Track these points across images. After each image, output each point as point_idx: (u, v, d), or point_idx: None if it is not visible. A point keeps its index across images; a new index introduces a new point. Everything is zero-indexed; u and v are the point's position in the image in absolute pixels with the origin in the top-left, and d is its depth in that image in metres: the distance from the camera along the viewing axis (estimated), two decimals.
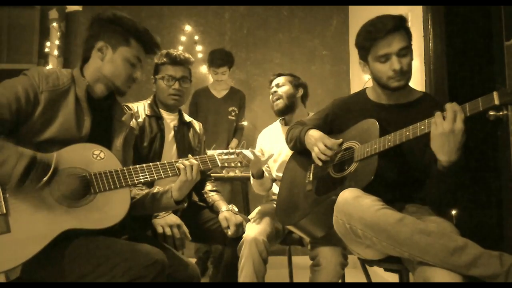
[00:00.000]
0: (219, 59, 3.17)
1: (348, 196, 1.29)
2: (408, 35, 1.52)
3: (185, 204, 1.55)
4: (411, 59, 1.52)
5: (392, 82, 1.51)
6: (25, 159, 1.14)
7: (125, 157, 1.45)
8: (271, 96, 2.26)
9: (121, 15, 1.41)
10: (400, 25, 1.49)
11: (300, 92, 2.25)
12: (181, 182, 1.45)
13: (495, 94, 1.13)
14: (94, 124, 1.36)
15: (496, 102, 1.12)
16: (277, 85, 2.24)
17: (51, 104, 1.28)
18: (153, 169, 1.41)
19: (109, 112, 1.48)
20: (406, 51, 1.49)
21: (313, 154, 1.60)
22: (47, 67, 3.17)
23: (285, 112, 2.22)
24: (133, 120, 1.81)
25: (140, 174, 1.38)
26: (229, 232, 1.79)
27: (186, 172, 1.44)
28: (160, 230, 1.67)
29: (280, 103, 2.20)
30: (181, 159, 1.47)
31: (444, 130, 1.20)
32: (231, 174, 1.66)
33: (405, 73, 1.50)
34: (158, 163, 1.43)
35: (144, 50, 1.45)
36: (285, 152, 2.16)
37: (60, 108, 1.30)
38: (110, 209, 1.28)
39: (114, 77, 1.40)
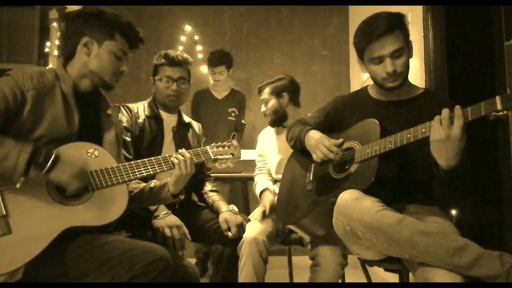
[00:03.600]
0: (217, 59, 3.20)
1: (347, 198, 1.29)
2: (404, 34, 1.49)
3: (182, 197, 1.57)
4: (408, 57, 1.51)
5: (386, 83, 1.51)
6: (27, 150, 1.15)
7: (118, 151, 1.46)
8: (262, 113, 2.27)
9: (104, 9, 1.41)
10: (394, 25, 1.46)
11: (285, 98, 2.19)
12: (176, 176, 1.48)
13: (497, 98, 1.11)
14: (82, 120, 1.37)
15: (499, 107, 1.11)
16: (264, 102, 2.22)
17: (39, 101, 1.28)
18: (148, 165, 1.42)
19: (95, 107, 1.49)
20: (400, 52, 1.47)
21: (314, 156, 1.60)
22: (47, 67, 3.17)
23: (278, 124, 2.23)
24: (124, 117, 1.84)
25: (136, 170, 1.39)
26: (230, 234, 1.79)
27: (181, 166, 1.46)
28: (160, 231, 1.67)
29: (270, 119, 2.23)
30: (174, 153, 1.49)
31: (440, 136, 1.19)
32: (224, 166, 1.66)
33: (400, 74, 1.49)
34: (153, 158, 1.45)
35: (128, 44, 1.46)
36: (283, 154, 2.16)
37: (47, 105, 1.30)
38: (109, 205, 1.29)
39: (102, 71, 1.40)
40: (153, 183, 1.58)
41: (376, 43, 1.46)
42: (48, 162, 1.18)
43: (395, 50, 1.46)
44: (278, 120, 2.21)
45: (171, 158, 1.47)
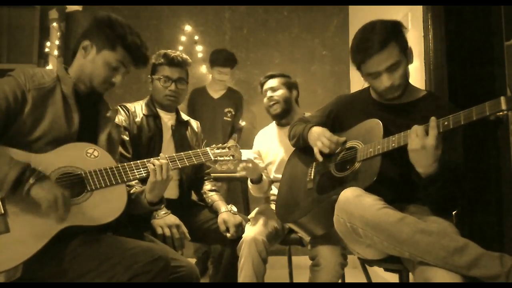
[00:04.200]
0: (226, 59, 3.16)
1: (349, 195, 1.29)
2: (400, 44, 1.45)
3: (162, 206, 1.52)
4: (407, 65, 1.49)
5: (386, 94, 1.51)
6: (18, 167, 1.14)
7: (110, 153, 1.44)
8: (266, 100, 2.22)
9: (117, 19, 1.41)
10: (388, 39, 1.41)
11: (295, 93, 2.24)
12: (151, 183, 1.41)
13: (502, 99, 1.11)
14: (82, 120, 1.37)
15: (503, 107, 1.10)
16: (272, 89, 2.20)
17: (39, 102, 1.29)
18: (147, 165, 1.42)
19: (94, 108, 1.48)
20: (396, 66, 1.44)
21: (315, 149, 1.60)
22: (47, 67, 3.17)
23: (283, 116, 2.21)
24: (121, 116, 1.84)
25: (135, 170, 1.39)
26: (228, 235, 1.79)
27: (156, 173, 1.40)
28: (159, 230, 1.67)
29: (277, 108, 2.18)
30: (152, 158, 1.44)
31: (416, 146, 1.23)
32: (224, 168, 1.66)
33: (399, 86, 1.48)
34: (151, 159, 1.44)
35: (131, 60, 1.42)
36: (282, 154, 2.17)
37: (48, 106, 1.31)
38: (108, 205, 1.29)
39: (92, 77, 1.40)
40: (133, 189, 1.54)
41: (370, 60, 1.44)
42: (30, 178, 1.15)
43: (391, 65, 1.44)
44: (284, 111, 2.18)
45: (148, 164, 1.41)
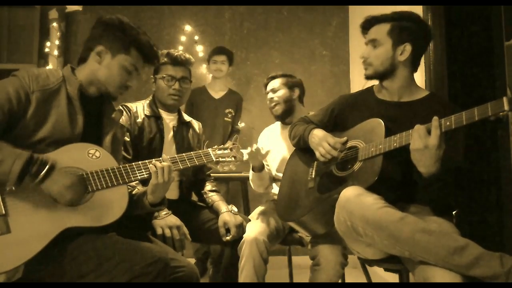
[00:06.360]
0: (221, 48, 3.25)
1: (350, 194, 1.29)
2: (392, 29, 1.51)
3: (163, 207, 1.52)
4: (389, 55, 1.52)
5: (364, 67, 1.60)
6: (23, 158, 1.14)
7: (114, 154, 1.44)
8: (268, 102, 2.24)
9: (127, 22, 1.40)
10: (383, 20, 1.53)
11: (296, 92, 2.23)
12: (153, 185, 1.40)
13: (505, 99, 1.11)
14: (86, 122, 1.36)
15: (506, 107, 1.11)
16: (273, 90, 2.22)
17: (43, 103, 1.28)
18: (148, 166, 1.41)
19: (99, 109, 1.48)
20: (377, 44, 1.53)
21: (317, 154, 1.60)
22: (47, 67, 3.17)
23: (284, 116, 2.22)
24: (123, 117, 1.83)
25: (137, 171, 1.38)
26: (227, 238, 1.78)
27: (158, 175, 1.39)
28: (159, 231, 1.67)
29: (278, 109, 2.19)
30: (154, 160, 1.43)
31: (419, 146, 1.24)
32: (226, 169, 1.67)
33: (370, 65, 1.56)
34: (153, 160, 1.44)
35: (143, 60, 1.44)
36: (284, 153, 2.17)
37: (52, 107, 1.30)
38: (109, 206, 1.29)
39: (108, 82, 1.39)
40: (135, 190, 1.54)
41: (370, 30, 1.57)
42: (42, 171, 1.16)
43: (372, 40, 1.54)
44: (285, 112, 2.19)
45: (149, 165, 1.41)
